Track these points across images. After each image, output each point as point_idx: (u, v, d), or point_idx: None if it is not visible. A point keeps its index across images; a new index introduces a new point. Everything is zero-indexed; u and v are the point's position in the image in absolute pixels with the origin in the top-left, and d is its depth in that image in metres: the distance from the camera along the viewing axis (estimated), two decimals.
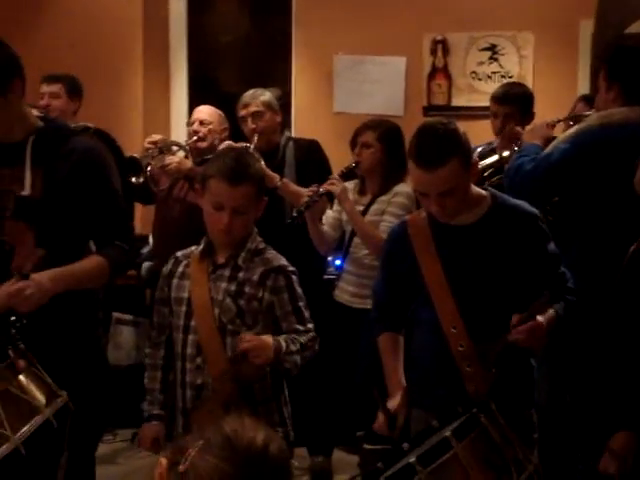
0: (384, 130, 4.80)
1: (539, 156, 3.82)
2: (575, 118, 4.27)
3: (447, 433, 2.63)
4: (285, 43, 6.91)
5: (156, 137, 5.20)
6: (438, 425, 2.82)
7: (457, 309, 3.06)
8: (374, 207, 4.72)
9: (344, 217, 4.82)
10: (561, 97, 5.51)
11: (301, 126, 6.68)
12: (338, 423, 5.11)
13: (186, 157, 5.23)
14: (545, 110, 4.92)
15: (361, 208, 4.74)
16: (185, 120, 6.43)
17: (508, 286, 3.05)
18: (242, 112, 5.16)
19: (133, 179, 4.69)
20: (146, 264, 5.64)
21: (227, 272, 3.18)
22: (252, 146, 4.95)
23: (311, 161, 5.12)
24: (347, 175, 4.78)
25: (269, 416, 3.13)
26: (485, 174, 4.34)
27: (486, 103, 5.01)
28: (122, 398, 4.35)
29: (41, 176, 3.07)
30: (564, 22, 6.13)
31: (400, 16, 6.41)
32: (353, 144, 4.85)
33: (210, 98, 6.15)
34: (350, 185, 4.79)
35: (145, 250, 5.72)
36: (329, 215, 4.93)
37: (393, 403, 3.10)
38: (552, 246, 3.15)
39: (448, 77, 6.48)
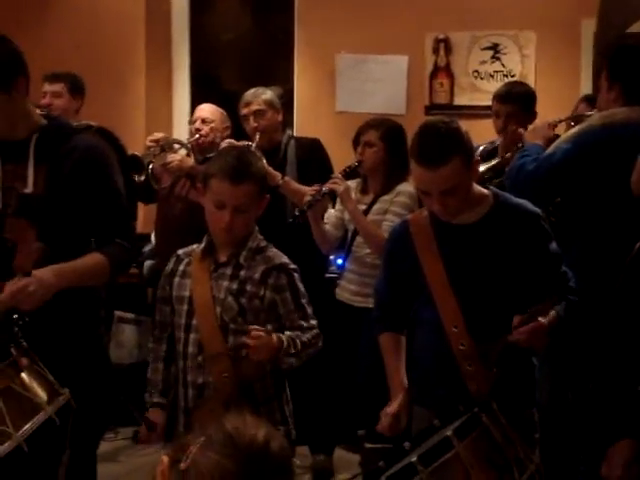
0: (387, 129, 4.80)
1: (541, 156, 3.82)
2: (576, 118, 4.27)
3: (448, 432, 2.64)
4: (287, 42, 6.90)
5: (158, 135, 5.21)
6: (439, 424, 2.82)
7: (459, 308, 3.05)
8: (377, 206, 4.72)
9: (346, 216, 4.82)
10: (563, 96, 5.50)
11: (303, 125, 6.67)
12: (339, 422, 5.11)
13: (188, 155, 5.23)
14: (547, 109, 4.91)
15: (363, 207, 4.74)
16: (187, 118, 6.44)
17: (510, 285, 3.05)
18: (244, 110, 5.16)
19: (135, 177, 4.70)
20: (148, 262, 5.65)
21: (229, 270, 3.18)
22: (254, 144, 4.95)
23: (313, 160, 5.12)
24: (349, 174, 4.79)
25: (271, 415, 3.12)
26: (486, 177, 4.33)
27: (488, 102, 5.01)
28: (124, 396, 4.35)
29: (44, 174, 3.08)
30: (566, 21, 6.12)
31: (402, 15, 6.40)
32: (356, 143, 4.86)
33: (212, 96, 6.15)
34: (352, 184, 4.79)
35: (147, 248, 5.72)
36: (331, 214, 4.93)
37: (394, 405, 3.10)
38: (554, 246, 3.15)
39: (450, 76, 6.47)
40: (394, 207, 4.64)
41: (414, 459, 2.59)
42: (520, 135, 4.34)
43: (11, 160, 3.11)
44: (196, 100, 6.56)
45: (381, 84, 6.54)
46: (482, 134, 4.72)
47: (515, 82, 5.43)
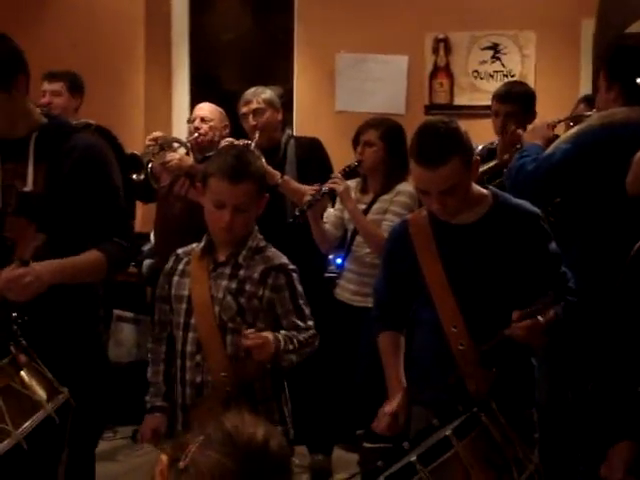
0: (387, 129, 4.79)
1: (540, 156, 3.82)
2: (575, 118, 4.27)
3: (448, 432, 2.63)
4: (287, 41, 6.90)
5: (157, 134, 5.20)
6: (438, 424, 2.82)
7: (458, 308, 3.05)
8: (376, 206, 4.72)
9: (346, 215, 4.82)
10: (563, 96, 5.50)
11: (303, 124, 6.67)
12: (338, 421, 5.10)
13: (187, 154, 5.23)
14: (547, 109, 4.91)
15: (363, 207, 4.73)
16: (187, 118, 6.43)
17: (509, 285, 3.05)
18: (243, 109, 5.16)
19: (134, 176, 4.70)
20: (147, 261, 5.65)
21: (228, 270, 3.18)
22: (253, 143, 4.95)
23: (312, 159, 5.12)
24: (349, 174, 4.78)
25: (269, 414, 3.12)
26: (485, 177, 4.33)
27: (488, 102, 5.01)
28: (122, 395, 4.35)
29: (43, 172, 3.08)
30: (566, 21, 6.12)
31: (402, 15, 6.40)
32: (355, 143, 4.85)
33: (212, 96, 6.14)
34: (352, 184, 4.79)
35: (146, 247, 5.72)
36: (331, 213, 4.93)
37: (393, 404, 3.10)
38: (553, 246, 3.14)
39: (450, 76, 6.47)
40: (394, 207, 4.64)
41: (413, 459, 2.59)
42: (519, 136, 4.34)
43: (11, 159, 3.12)
44: (195, 99, 6.55)
45: (381, 84, 6.54)
46: (482, 134, 4.72)
47: (515, 82, 5.43)
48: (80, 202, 3.10)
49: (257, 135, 5.03)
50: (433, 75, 6.50)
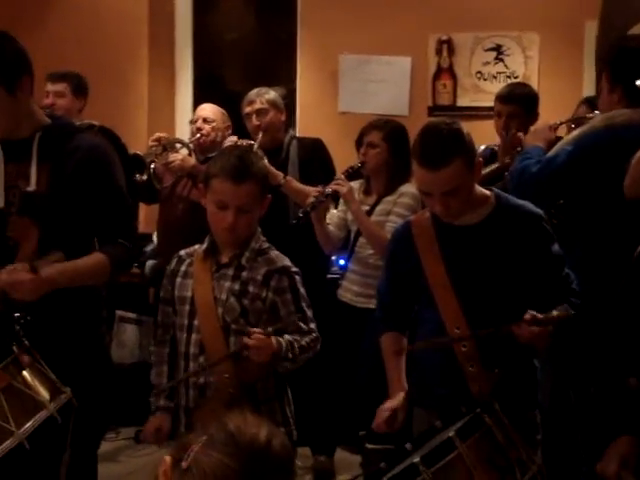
0: (390, 130, 4.80)
1: (544, 158, 3.82)
2: (577, 120, 4.26)
3: (451, 433, 2.63)
4: (290, 42, 6.91)
5: (160, 135, 5.21)
6: (441, 425, 2.82)
7: (460, 309, 3.05)
8: (380, 207, 4.72)
9: (349, 217, 4.82)
10: (566, 98, 5.49)
11: (306, 125, 6.68)
12: (341, 423, 5.11)
13: (189, 155, 5.23)
14: (550, 111, 4.91)
15: (367, 208, 4.73)
16: (190, 118, 6.44)
17: (512, 287, 3.05)
18: (247, 109, 5.17)
19: (137, 176, 4.70)
20: (150, 262, 5.65)
21: (231, 271, 3.18)
22: (256, 144, 4.95)
23: (314, 160, 5.12)
24: (352, 175, 4.78)
25: (272, 415, 3.11)
26: (488, 179, 4.33)
27: (491, 103, 5.00)
28: (125, 396, 4.35)
29: (47, 172, 3.08)
30: (570, 23, 6.12)
31: (405, 16, 6.40)
32: (359, 144, 4.85)
33: (215, 97, 6.15)
34: (355, 185, 4.79)
35: (149, 248, 5.73)
36: (334, 215, 4.93)
37: (393, 402, 3.10)
38: (556, 247, 3.14)
39: (453, 77, 6.47)
40: (397, 208, 4.64)
41: (417, 460, 2.58)
42: (519, 139, 4.34)
43: (14, 159, 3.12)
44: (199, 100, 6.56)
45: (384, 85, 6.54)
46: (485, 135, 4.73)
47: (518, 83, 5.43)
48: (83, 203, 3.10)
49: (260, 135, 5.04)
50: (436, 76, 6.50)
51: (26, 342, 2.82)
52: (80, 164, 3.10)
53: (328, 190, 4.59)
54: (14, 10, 6.75)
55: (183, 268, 3.29)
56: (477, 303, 3.05)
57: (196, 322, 3.18)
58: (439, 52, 6.47)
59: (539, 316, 2.88)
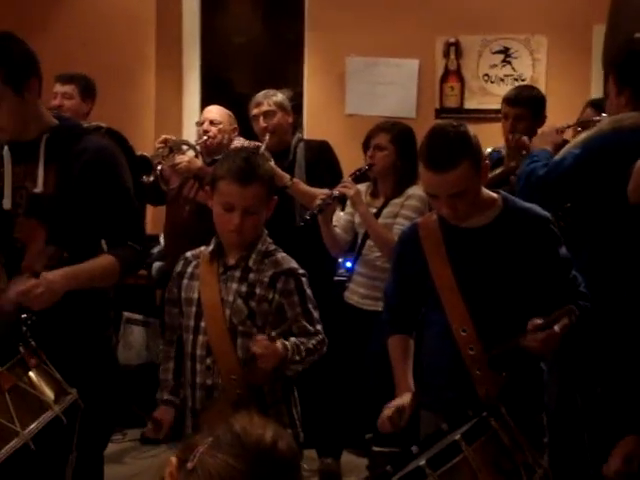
0: (398, 132, 4.79)
1: (551, 162, 3.81)
2: (584, 124, 4.25)
3: (457, 436, 2.62)
4: (298, 44, 6.91)
5: (166, 136, 5.21)
6: (448, 428, 2.81)
7: (467, 312, 3.05)
8: (387, 210, 4.72)
9: (356, 219, 4.82)
10: (574, 101, 5.48)
11: (313, 128, 6.68)
12: (347, 425, 5.10)
13: (196, 157, 5.24)
14: (558, 114, 4.91)
15: (374, 211, 4.73)
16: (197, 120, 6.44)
17: (519, 289, 3.05)
18: (254, 111, 5.18)
19: (144, 178, 4.70)
20: (157, 264, 5.66)
21: (237, 273, 3.18)
22: (263, 145, 4.96)
23: (321, 162, 5.12)
24: (359, 178, 4.78)
25: (279, 418, 3.11)
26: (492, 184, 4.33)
27: (498, 106, 5.00)
28: (132, 398, 4.35)
29: (54, 174, 3.08)
30: (578, 26, 6.12)
31: (413, 18, 6.41)
32: (366, 146, 4.85)
33: (222, 99, 6.15)
34: (362, 188, 4.78)
35: (156, 250, 5.73)
36: (341, 217, 4.93)
37: (399, 401, 3.09)
38: (564, 250, 3.13)
39: (461, 80, 6.47)
40: (405, 210, 4.64)
41: (422, 463, 2.58)
42: (524, 143, 4.35)
43: (22, 160, 3.12)
44: (206, 102, 6.56)
45: (391, 87, 6.54)
46: (492, 138, 4.73)
47: (525, 86, 5.43)
48: (91, 204, 3.10)
49: (267, 137, 5.04)
50: (444, 79, 6.50)
51: (32, 343, 2.82)
52: (87, 166, 3.10)
53: (335, 193, 4.59)
54: (22, 12, 6.76)
55: (189, 270, 3.29)
56: (484, 306, 3.04)
57: (203, 324, 3.18)
58: (447, 54, 6.47)
59: (539, 321, 2.87)
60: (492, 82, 6.41)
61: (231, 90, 7.26)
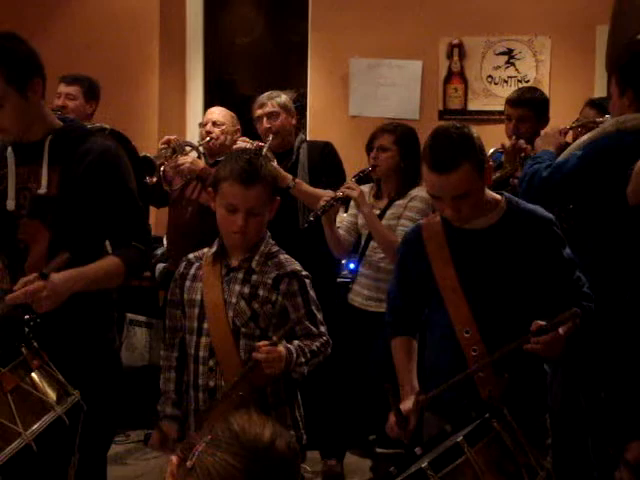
0: (401, 134, 4.79)
1: (554, 163, 3.81)
2: (587, 125, 4.25)
3: (459, 438, 2.62)
4: (301, 46, 6.91)
5: (169, 137, 5.21)
6: (451, 430, 2.81)
7: (470, 313, 3.05)
8: (390, 211, 4.72)
9: (360, 221, 4.82)
10: (577, 102, 5.46)
11: (316, 129, 6.67)
12: (351, 427, 5.10)
13: (199, 158, 5.24)
14: (561, 115, 4.91)
15: (377, 212, 4.73)
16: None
17: (522, 290, 3.04)
18: (258, 112, 5.18)
19: (147, 179, 4.71)
20: (160, 265, 5.66)
21: (240, 275, 3.17)
22: (266, 146, 4.96)
23: (324, 163, 5.12)
24: (362, 179, 4.78)
25: (282, 419, 3.12)
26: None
27: (502, 107, 5.01)
28: (135, 399, 4.35)
29: (58, 175, 3.08)
30: (581, 27, 6.12)
31: (416, 20, 6.41)
32: (369, 148, 4.85)
33: (226, 100, 6.17)
34: (366, 189, 4.78)
35: (159, 251, 5.73)
36: (344, 219, 4.93)
37: (405, 405, 3.09)
38: (567, 251, 3.13)
39: (464, 81, 6.47)
40: (408, 212, 4.64)
41: (424, 465, 2.57)
42: (521, 147, 4.35)
43: (25, 162, 3.12)
44: (209, 103, 6.58)
45: (395, 89, 6.54)
46: (495, 139, 4.72)
47: (528, 87, 5.43)
48: (94, 205, 3.10)
49: (270, 138, 5.04)
50: (447, 80, 6.50)
51: (35, 344, 2.81)
52: (91, 167, 3.10)
53: (339, 194, 4.59)
54: (25, 12, 6.78)
55: (192, 271, 3.29)
56: (487, 307, 3.04)
57: (205, 325, 3.17)
58: (450, 56, 6.46)
59: (542, 324, 2.87)
60: (495, 83, 6.41)
61: (234, 91, 7.26)
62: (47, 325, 2.89)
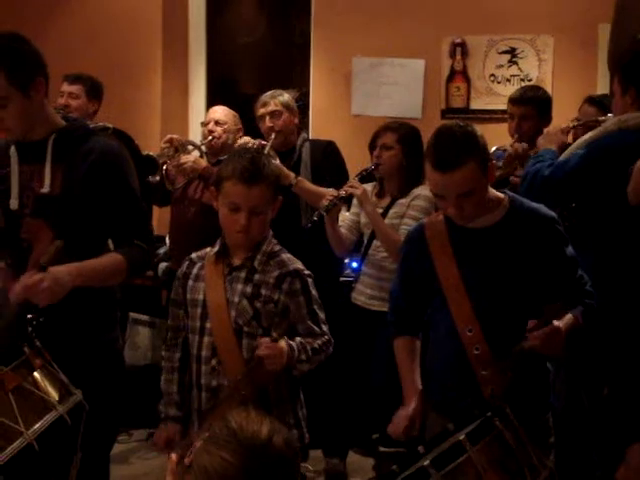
0: (405, 132, 4.79)
1: (556, 162, 3.81)
2: (589, 123, 4.24)
3: (461, 437, 2.62)
4: (304, 45, 6.91)
5: (172, 136, 5.22)
6: (453, 428, 2.81)
7: (473, 312, 3.04)
8: (393, 210, 4.71)
9: (362, 219, 4.82)
10: (580, 101, 5.46)
11: (319, 128, 6.67)
12: (354, 425, 5.10)
13: (201, 157, 5.24)
14: (564, 114, 4.91)
15: (380, 211, 4.72)
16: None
17: (525, 289, 3.04)
18: (260, 110, 5.17)
19: (149, 177, 4.71)
20: (162, 265, 5.66)
21: (243, 274, 3.18)
22: (269, 144, 4.96)
23: (327, 162, 5.12)
24: (365, 178, 4.77)
25: (284, 418, 3.12)
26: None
27: (504, 106, 5.00)
28: (138, 398, 4.35)
29: (61, 174, 3.09)
30: (583, 26, 6.12)
31: (419, 18, 6.40)
32: (372, 146, 4.85)
33: (228, 99, 6.16)
34: (368, 187, 4.78)
35: (162, 250, 5.73)
36: (346, 217, 4.93)
37: (409, 409, 3.09)
38: (570, 250, 3.13)
39: (467, 80, 6.47)
40: (411, 211, 4.64)
41: (427, 463, 2.58)
42: (525, 153, 4.36)
43: (29, 161, 3.13)
44: (212, 103, 6.56)
45: (397, 87, 6.53)
46: (498, 138, 4.72)
47: (531, 86, 5.43)
48: (97, 205, 3.11)
49: (273, 136, 5.05)
50: (450, 79, 6.50)
51: (38, 343, 2.82)
52: (94, 166, 3.10)
53: (342, 193, 4.58)
54: (28, 12, 6.79)
55: (194, 271, 3.29)
56: (490, 306, 3.04)
57: (208, 325, 3.18)
58: (453, 55, 6.46)
59: (535, 321, 2.87)
60: (498, 82, 6.41)
61: (237, 90, 7.26)
62: (50, 324, 2.89)
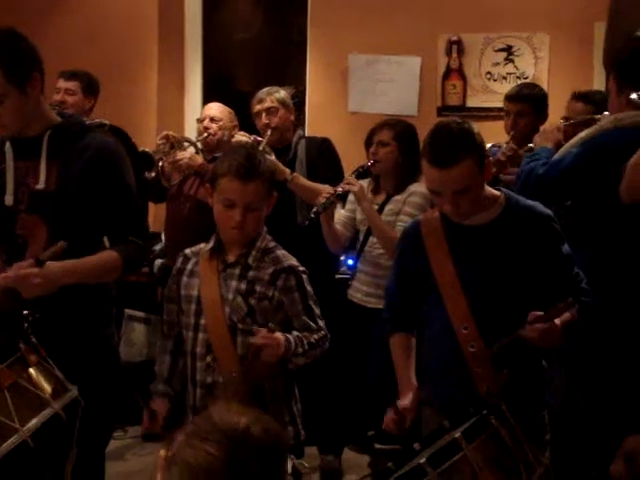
0: (401, 129, 4.80)
1: (551, 160, 3.81)
2: (585, 121, 4.24)
3: (457, 435, 2.62)
4: (300, 42, 6.91)
5: (168, 133, 5.22)
6: (449, 426, 2.81)
7: (469, 309, 3.04)
8: (389, 207, 4.72)
9: (358, 216, 4.82)
10: None
11: (315, 125, 6.67)
12: (349, 422, 5.10)
13: (197, 153, 5.24)
14: (560, 112, 4.91)
15: (375, 207, 4.72)
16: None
17: (521, 287, 3.04)
18: (257, 107, 5.18)
19: (145, 174, 4.71)
20: (158, 261, 5.66)
21: (237, 271, 3.17)
22: (265, 140, 4.96)
23: (322, 159, 5.12)
24: (361, 174, 4.78)
25: (279, 415, 3.12)
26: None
27: (501, 104, 5.01)
28: (133, 395, 4.34)
29: (56, 170, 3.09)
30: (580, 24, 6.12)
31: (415, 16, 6.40)
32: (368, 143, 4.85)
33: (224, 96, 6.15)
34: (364, 184, 4.78)
35: (157, 247, 5.73)
36: (342, 214, 4.93)
37: (403, 402, 3.10)
38: (566, 247, 3.13)
39: (463, 78, 6.47)
40: (407, 207, 4.64)
41: (423, 461, 2.58)
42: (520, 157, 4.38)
43: (24, 157, 3.13)
44: (208, 99, 6.55)
45: (393, 85, 6.54)
46: (494, 136, 4.72)
47: (527, 83, 5.44)
48: (94, 201, 3.11)
49: (269, 132, 5.05)
50: (446, 77, 6.50)
51: (33, 339, 2.82)
52: (90, 163, 3.10)
53: (339, 190, 4.59)
54: (24, 8, 6.77)
55: (189, 267, 3.29)
56: (485, 303, 3.04)
57: (202, 321, 3.18)
58: (449, 52, 6.46)
59: (540, 313, 2.88)
60: (494, 80, 6.41)
61: (233, 87, 7.25)
62: (45, 321, 2.89)
